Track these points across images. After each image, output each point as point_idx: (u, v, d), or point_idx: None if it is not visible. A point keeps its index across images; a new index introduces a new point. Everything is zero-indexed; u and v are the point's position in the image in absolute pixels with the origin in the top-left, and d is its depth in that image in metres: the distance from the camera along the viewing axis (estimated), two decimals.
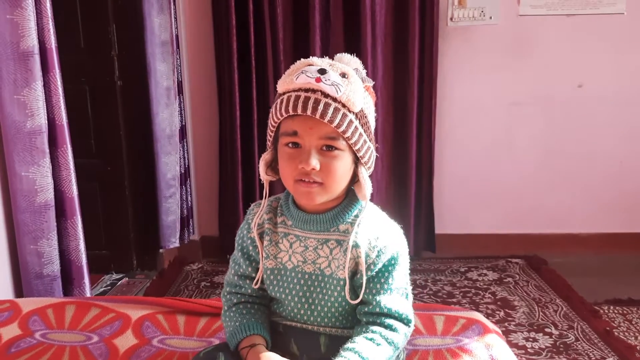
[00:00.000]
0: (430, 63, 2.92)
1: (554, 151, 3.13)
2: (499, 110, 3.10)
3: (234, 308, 1.17)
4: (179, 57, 2.87)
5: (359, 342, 1.04)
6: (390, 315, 1.07)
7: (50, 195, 1.92)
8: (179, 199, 2.89)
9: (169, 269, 2.96)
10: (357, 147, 1.03)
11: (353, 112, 1.01)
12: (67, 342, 1.35)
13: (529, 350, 2.14)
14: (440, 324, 1.40)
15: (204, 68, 3.02)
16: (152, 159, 2.80)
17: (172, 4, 2.72)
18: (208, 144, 3.11)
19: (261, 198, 1.16)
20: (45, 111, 1.87)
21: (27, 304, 1.50)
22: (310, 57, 1.05)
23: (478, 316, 1.46)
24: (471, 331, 1.37)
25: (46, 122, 1.88)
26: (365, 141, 1.04)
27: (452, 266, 3.00)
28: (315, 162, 1.00)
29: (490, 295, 2.64)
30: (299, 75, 1.00)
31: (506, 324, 2.34)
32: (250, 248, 1.16)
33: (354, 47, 2.83)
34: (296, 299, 1.13)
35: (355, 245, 1.07)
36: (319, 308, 1.12)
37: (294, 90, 1.01)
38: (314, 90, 0.99)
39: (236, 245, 1.19)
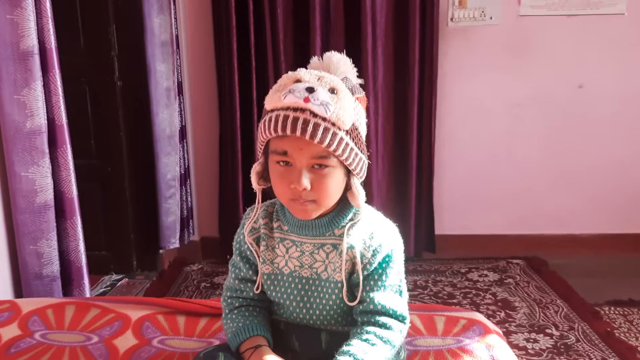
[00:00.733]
0: (431, 63, 2.92)
1: (555, 152, 3.13)
2: (499, 111, 3.10)
3: (235, 311, 1.18)
4: (179, 57, 2.87)
5: (354, 345, 1.04)
6: (384, 312, 1.08)
7: (50, 195, 1.92)
8: (178, 199, 2.89)
9: (169, 269, 2.96)
10: (348, 162, 1.02)
11: (344, 130, 0.99)
12: (66, 343, 1.35)
13: (529, 351, 2.14)
14: (441, 324, 1.40)
15: (204, 68, 3.02)
16: (152, 160, 2.80)
17: (172, 4, 2.72)
18: (208, 144, 3.11)
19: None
20: (45, 111, 1.87)
21: (27, 305, 1.50)
22: (298, 69, 1.02)
23: (479, 317, 1.46)
24: (472, 332, 1.37)
25: (46, 122, 1.87)
26: (356, 154, 1.03)
27: (452, 267, 3.00)
28: (306, 182, 1.00)
29: (490, 296, 2.63)
30: (286, 95, 0.98)
31: (507, 324, 2.34)
32: (249, 253, 1.17)
33: (354, 47, 2.83)
34: (294, 303, 1.13)
35: (351, 247, 1.07)
36: (317, 311, 1.13)
37: (282, 109, 0.98)
38: (302, 110, 0.97)
39: (234, 250, 1.20)
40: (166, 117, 2.78)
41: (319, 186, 1.01)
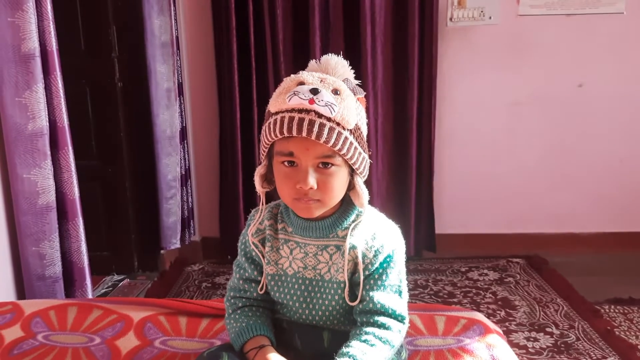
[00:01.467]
0: (430, 63, 2.92)
1: (554, 151, 3.14)
2: (499, 110, 3.10)
3: (239, 311, 1.19)
4: (179, 58, 2.87)
5: (354, 346, 1.05)
6: (383, 312, 1.09)
7: (51, 197, 1.93)
8: (179, 200, 2.90)
9: (170, 270, 2.96)
10: (352, 161, 1.05)
11: (348, 129, 1.02)
12: (69, 344, 1.35)
13: (530, 350, 2.14)
14: (442, 324, 1.40)
15: (204, 69, 3.02)
16: (153, 161, 2.81)
17: (172, 5, 2.73)
18: (208, 145, 3.11)
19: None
20: (47, 113, 1.88)
21: (29, 306, 1.50)
22: (300, 72, 1.05)
23: (479, 316, 1.46)
24: (472, 331, 1.37)
25: (47, 124, 1.88)
26: (360, 153, 1.06)
27: (452, 266, 3.00)
28: (312, 182, 1.02)
29: (491, 295, 2.64)
30: (291, 97, 1.00)
31: (507, 323, 2.34)
32: (254, 253, 1.18)
33: (353, 47, 2.84)
34: (297, 303, 1.15)
35: (353, 247, 1.09)
36: (320, 311, 1.14)
37: (287, 111, 1.00)
38: (307, 111, 0.99)
39: (239, 250, 1.21)
40: (167, 118, 2.79)
41: (324, 185, 1.03)
